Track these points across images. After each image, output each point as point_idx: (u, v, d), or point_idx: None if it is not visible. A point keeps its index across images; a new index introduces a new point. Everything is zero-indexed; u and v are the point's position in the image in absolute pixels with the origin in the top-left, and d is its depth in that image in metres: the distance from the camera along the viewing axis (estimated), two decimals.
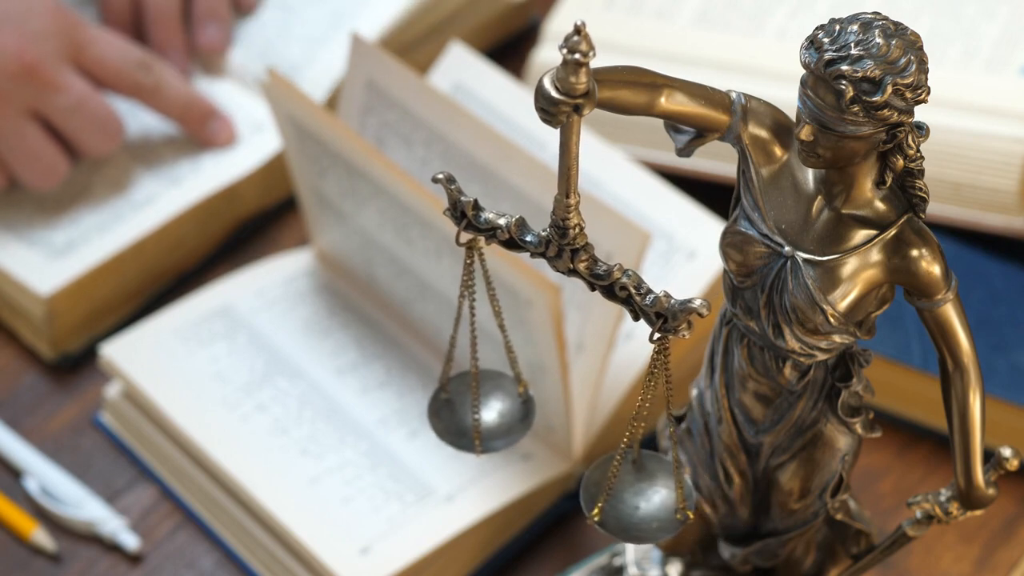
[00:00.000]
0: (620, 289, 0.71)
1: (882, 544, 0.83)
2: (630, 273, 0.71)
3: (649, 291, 0.71)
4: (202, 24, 1.20)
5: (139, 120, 1.18)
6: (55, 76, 1.09)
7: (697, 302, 0.70)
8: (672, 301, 0.70)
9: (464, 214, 0.73)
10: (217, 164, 1.15)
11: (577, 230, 0.71)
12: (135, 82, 1.13)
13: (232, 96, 1.19)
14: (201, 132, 1.15)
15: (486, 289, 0.78)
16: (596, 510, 0.76)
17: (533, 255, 0.73)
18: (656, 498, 0.77)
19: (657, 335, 0.71)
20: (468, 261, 0.76)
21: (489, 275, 0.77)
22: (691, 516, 0.76)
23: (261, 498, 0.98)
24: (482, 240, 0.74)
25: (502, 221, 0.73)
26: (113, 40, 1.13)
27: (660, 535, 0.76)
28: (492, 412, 0.81)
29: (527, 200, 0.99)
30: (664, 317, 0.71)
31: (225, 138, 1.16)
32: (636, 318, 0.72)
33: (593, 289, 0.72)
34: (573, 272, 0.72)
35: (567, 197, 0.70)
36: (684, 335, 0.71)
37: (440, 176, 0.72)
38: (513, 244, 0.73)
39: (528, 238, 0.73)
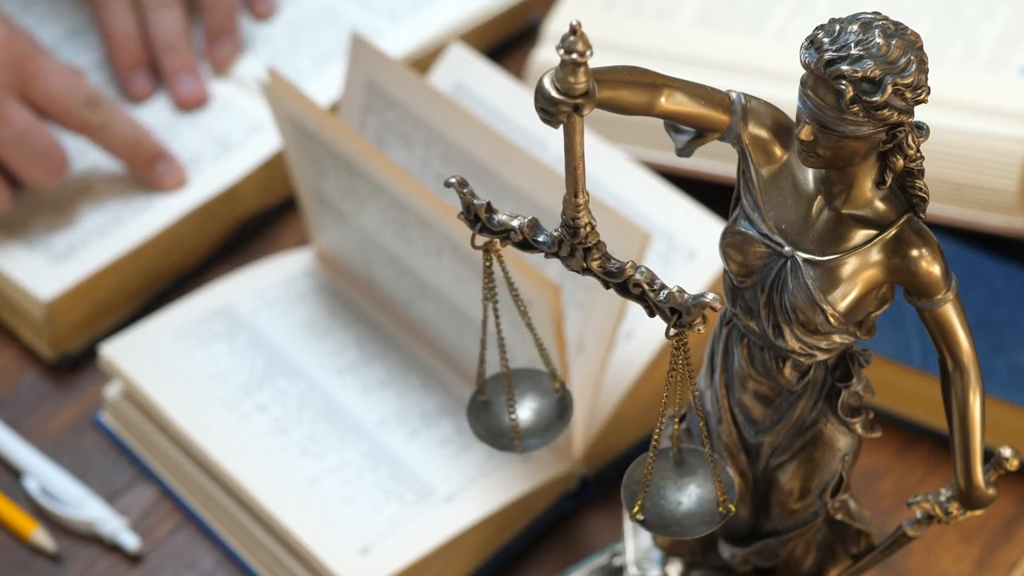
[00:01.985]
0: (634, 286, 0.72)
1: (882, 544, 0.83)
2: (643, 270, 0.71)
3: (663, 287, 0.71)
4: (216, 41, 1.20)
5: (141, 121, 1.18)
6: (0, 108, 1.08)
7: (710, 296, 0.70)
8: (686, 296, 0.71)
9: (478, 217, 0.73)
10: (217, 165, 1.15)
11: (588, 228, 0.71)
12: (81, 119, 1.11)
13: (232, 96, 1.19)
14: (148, 174, 1.13)
15: (508, 290, 0.78)
16: (637, 507, 0.76)
17: (547, 255, 0.73)
18: (697, 492, 0.77)
19: (673, 331, 0.71)
20: (487, 264, 0.76)
21: (509, 276, 0.77)
22: (732, 509, 0.76)
23: (261, 498, 0.98)
24: (498, 242, 0.74)
25: (515, 223, 0.73)
26: (63, 74, 1.11)
27: (702, 529, 0.76)
28: (528, 411, 0.81)
29: (527, 200, 0.99)
30: (678, 312, 0.71)
31: (173, 181, 1.13)
32: (651, 314, 0.72)
33: (607, 287, 0.73)
34: (587, 271, 0.72)
35: (576, 196, 0.70)
36: (699, 329, 0.71)
37: (453, 180, 0.72)
38: (526, 245, 0.73)
39: (541, 238, 0.73)
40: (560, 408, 0.81)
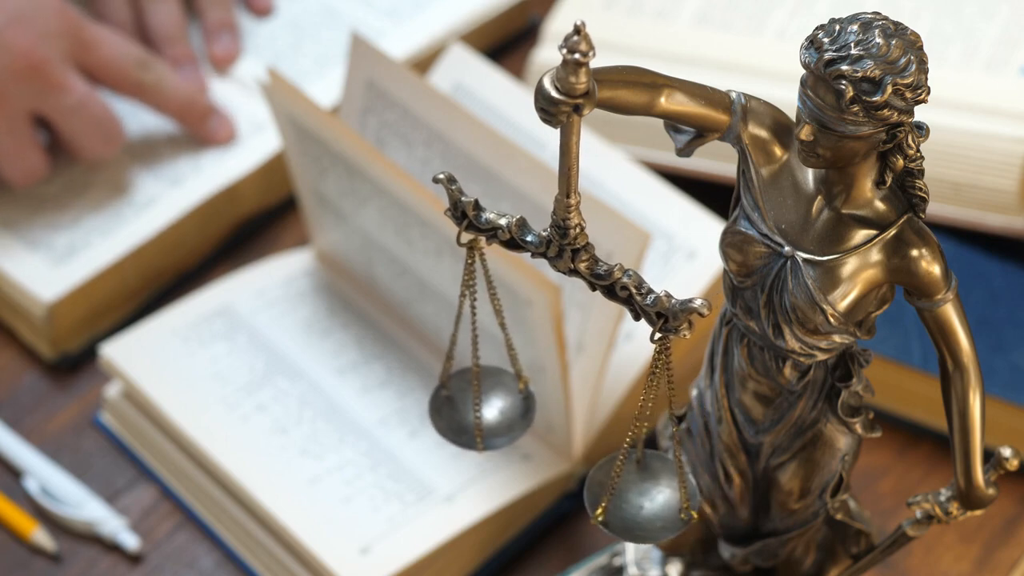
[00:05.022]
0: (621, 289, 0.71)
1: (882, 544, 0.83)
2: (631, 273, 0.71)
3: (650, 291, 0.71)
4: (215, 36, 1.20)
5: (139, 120, 1.18)
6: (60, 76, 1.09)
7: (698, 302, 0.70)
8: (673, 301, 0.70)
9: (465, 214, 0.73)
10: (217, 164, 1.15)
11: (578, 230, 0.71)
12: (137, 81, 1.13)
13: (232, 96, 1.19)
14: (201, 129, 1.15)
15: (487, 288, 0.78)
16: (600, 510, 0.76)
17: (534, 255, 0.73)
18: (660, 498, 0.77)
19: (658, 335, 0.71)
20: (469, 261, 0.76)
21: (490, 275, 0.77)
22: (695, 516, 0.76)
23: (261, 498, 0.98)
24: (483, 240, 0.74)
25: (503, 221, 0.73)
26: (115, 40, 1.13)
27: (664, 535, 0.76)
28: (493, 409, 0.81)
29: (527, 200, 0.99)
30: (665, 317, 0.71)
31: (224, 135, 1.16)
32: (637, 318, 0.72)
33: (594, 289, 0.73)
34: (574, 272, 0.72)
35: (568, 197, 0.70)
36: (685, 335, 0.71)
37: (441, 176, 0.72)
38: (514, 244, 0.73)
39: (529, 238, 0.73)
40: (524, 408, 0.81)
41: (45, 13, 1.09)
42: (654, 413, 0.74)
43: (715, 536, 0.87)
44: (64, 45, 1.10)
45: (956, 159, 1.06)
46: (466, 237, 0.74)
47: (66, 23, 1.10)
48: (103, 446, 1.07)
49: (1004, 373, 1.01)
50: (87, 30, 1.11)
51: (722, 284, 0.77)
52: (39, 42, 1.08)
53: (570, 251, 0.72)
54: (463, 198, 0.73)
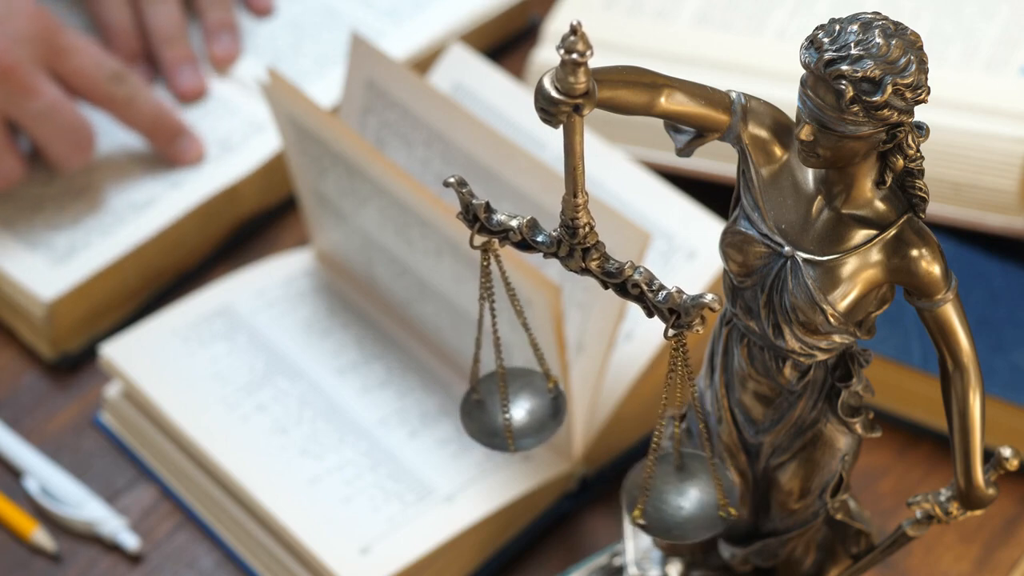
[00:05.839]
0: (632, 286, 0.72)
1: (882, 544, 0.83)
2: (641, 270, 0.71)
3: (661, 287, 0.71)
4: (215, 36, 1.20)
5: None
6: (30, 81, 1.08)
7: (709, 297, 0.70)
8: (684, 296, 0.71)
9: (477, 217, 0.73)
10: (217, 165, 1.15)
11: (587, 229, 0.71)
12: (108, 93, 1.12)
13: (232, 96, 1.19)
14: (169, 148, 1.14)
15: (505, 290, 0.78)
16: (637, 511, 0.76)
17: (546, 255, 0.73)
18: (698, 497, 0.77)
19: (672, 331, 0.71)
20: (485, 264, 0.76)
21: (507, 276, 0.77)
22: (733, 513, 0.76)
23: (261, 498, 0.98)
24: (496, 242, 0.74)
25: (514, 223, 0.73)
26: (90, 49, 1.12)
27: (704, 533, 0.76)
28: (521, 410, 0.81)
29: (527, 200, 0.99)
30: (677, 313, 0.71)
31: (193, 156, 1.15)
32: (650, 315, 0.72)
33: (606, 287, 0.73)
34: (585, 271, 0.72)
35: (575, 196, 0.70)
36: (698, 330, 0.71)
37: (452, 180, 0.72)
38: (525, 245, 0.73)
39: (540, 239, 0.73)
40: (553, 408, 0.82)
41: (18, 16, 1.08)
42: (678, 408, 0.75)
43: (715, 536, 0.87)
44: (36, 50, 1.09)
45: (956, 159, 1.06)
46: (479, 240, 0.74)
47: (40, 28, 1.09)
48: (103, 446, 1.07)
49: (1004, 373, 1.01)
50: (62, 37, 1.10)
51: (722, 284, 0.77)
52: (10, 46, 1.07)
53: (580, 250, 0.72)
54: (474, 201, 0.73)
